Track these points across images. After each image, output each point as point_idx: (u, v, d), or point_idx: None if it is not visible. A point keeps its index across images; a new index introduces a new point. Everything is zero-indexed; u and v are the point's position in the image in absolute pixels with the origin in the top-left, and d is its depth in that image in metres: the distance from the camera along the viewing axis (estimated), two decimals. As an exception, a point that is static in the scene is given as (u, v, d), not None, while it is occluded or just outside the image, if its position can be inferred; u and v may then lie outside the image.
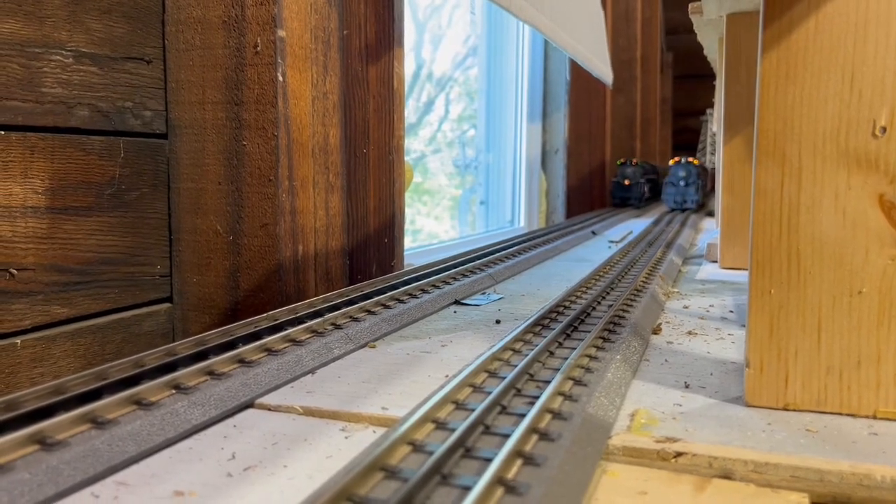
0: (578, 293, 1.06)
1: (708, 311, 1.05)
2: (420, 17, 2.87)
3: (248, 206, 1.13)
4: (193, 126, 1.14)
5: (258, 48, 1.11)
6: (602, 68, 2.73)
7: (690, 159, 2.76)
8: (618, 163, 3.25)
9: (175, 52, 1.14)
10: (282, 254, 1.12)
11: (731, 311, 1.05)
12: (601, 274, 1.24)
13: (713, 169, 3.63)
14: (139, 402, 0.57)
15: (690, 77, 5.92)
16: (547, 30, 1.91)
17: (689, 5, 1.54)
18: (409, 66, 2.88)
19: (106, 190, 1.04)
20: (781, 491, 0.50)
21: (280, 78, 1.11)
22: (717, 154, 2.24)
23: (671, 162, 2.88)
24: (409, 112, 3.05)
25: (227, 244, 1.14)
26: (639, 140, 4.48)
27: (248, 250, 1.13)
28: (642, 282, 1.16)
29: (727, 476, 0.52)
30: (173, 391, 0.60)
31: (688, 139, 5.89)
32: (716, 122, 2.79)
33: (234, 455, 0.53)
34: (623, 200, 3.24)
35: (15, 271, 0.92)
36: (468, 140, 3.01)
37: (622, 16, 4.24)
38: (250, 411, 0.62)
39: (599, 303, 0.99)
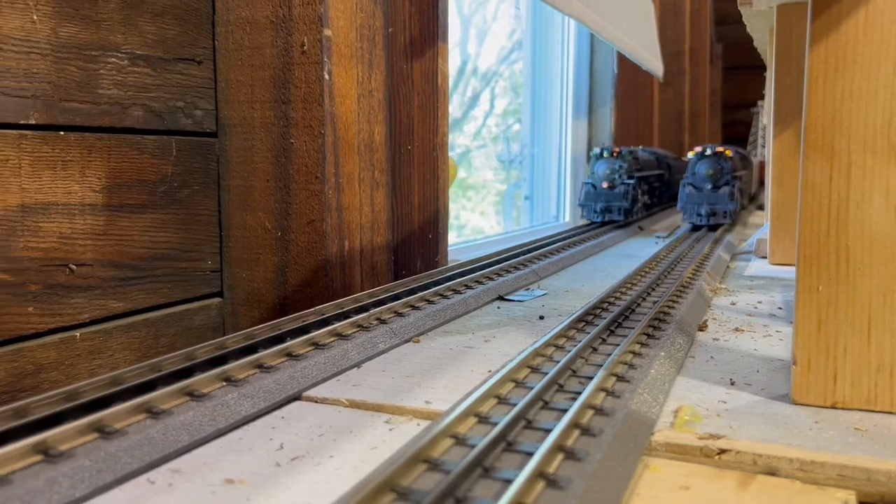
0: (623, 289, 1.05)
1: (756, 308, 1.03)
2: (465, 12, 2.87)
3: (295, 203, 1.15)
4: (242, 125, 1.17)
5: (305, 47, 1.13)
6: (652, 61, 2.70)
7: (720, 149, 1.82)
8: (591, 154, 2.04)
9: (224, 53, 1.17)
10: (328, 250, 1.14)
11: (780, 308, 1.03)
12: (647, 270, 1.23)
13: (762, 161, 2.99)
14: (191, 394, 0.59)
15: (741, 68, 5.81)
16: (594, 24, 1.90)
17: (738, -4, 1.51)
18: (454, 61, 2.88)
19: (159, 188, 1.07)
20: (828, 488, 0.49)
21: (326, 76, 1.13)
22: (766, 147, 2.19)
23: (690, 153, 1.90)
24: (454, 107, 3.04)
25: (276, 240, 1.16)
26: (687, 133, 4.41)
27: (296, 246, 1.15)
28: (689, 278, 1.15)
29: (772, 473, 0.51)
30: (224, 383, 0.62)
31: (739, 132, 5.78)
32: (766, 114, 2.71)
33: (283, 445, 0.55)
34: (599, 214, 2.00)
35: (74, 267, 0.95)
36: (513, 135, 3.00)
37: (670, 8, 4.18)
38: (298, 403, 0.64)
39: (644, 299, 0.98)
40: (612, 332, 0.79)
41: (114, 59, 1.00)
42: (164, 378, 0.61)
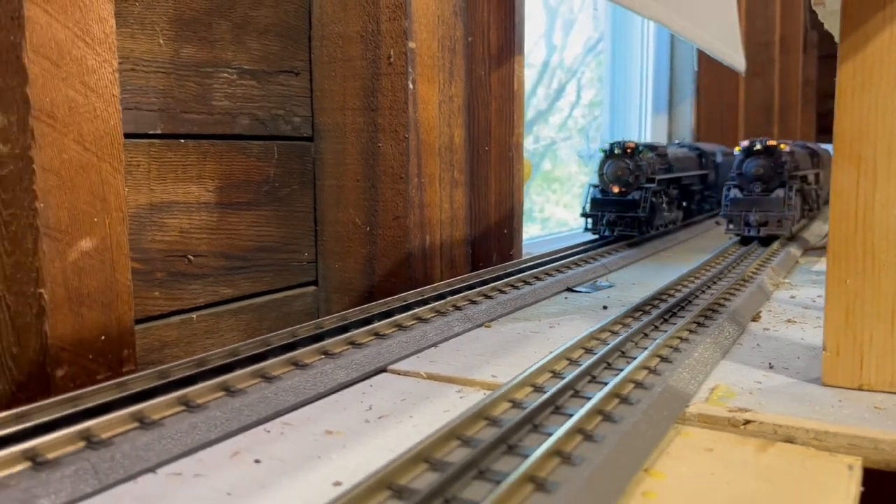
0: (686, 282, 1.12)
1: (814, 301, 1.08)
2: (551, 3, 2.88)
3: (382, 201, 1.26)
4: (335, 130, 1.29)
5: (391, 59, 1.24)
6: (733, 56, 2.70)
7: (773, 142, 1.46)
8: (600, 150, 1.62)
9: (320, 65, 1.29)
10: (411, 243, 1.25)
11: (838, 302, 1.08)
12: (713, 264, 1.29)
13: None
14: (296, 364, 0.71)
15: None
16: (670, 22, 1.94)
17: (811, -4, 1.54)
18: (538, 53, 2.92)
19: (263, 187, 1.20)
20: (838, 455, 0.57)
21: (410, 86, 1.24)
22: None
23: (736, 150, 1.53)
24: (540, 99, 3.08)
25: (365, 234, 1.28)
26: (776, 125, 4.33)
27: (383, 240, 1.27)
28: (752, 272, 1.20)
29: (790, 441, 0.59)
30: (322, 356, 0.74)
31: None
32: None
33: (371, 407, 0.66)
34: (608, 228, 1.57)
35: (192, 257, 1.09)
36: (598, 127, 3.03)
37: (760, -4, 4.11)
38: (383, 375, 0.75)
39: (704, 291, 1.05)
40: (666, 320, 0.87)
41: (225, 75, 1.14)
42: (273, 351, 0.74)
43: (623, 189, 1.55)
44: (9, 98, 0.74)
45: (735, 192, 1.48)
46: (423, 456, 0.49)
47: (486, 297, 1.02)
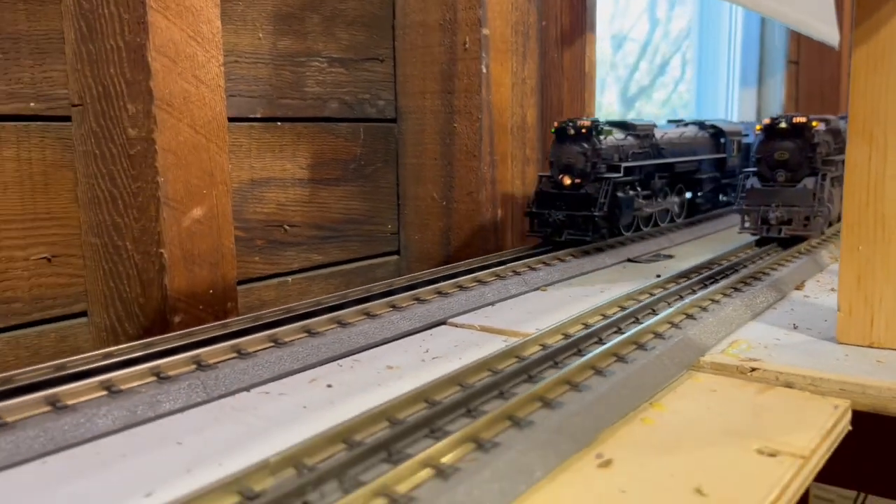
0: (741, 253, 1.18)
1: (866, 273, 1.12)
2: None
3: (457, 177, 1.37)
4: (416, 112, 1.41)
5: (467, 45, 1.34)
6: (825, 30, 2.64)
7: (802, 119, 1.20)
8: (552, 130, 1.27)
9: (402, 52, 1.41)
10: (484, 217, 1.36)
11: (891, 273, 1.11)
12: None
13: None
14: (368, 314, 0.83)
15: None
16: (754, 5, 1.94)
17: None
18: (642, 27, 2.90)
19: (350, 165, 1.34)
20: (829, 398, 0.64)
21: (484, 70, 1.34)
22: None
23: (757, 129, 1.25)
24: (642, 74, 3.06)
25: (441, 208, 1.40)
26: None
27: (458, 213, 1.38)
28: (812, 245, 1.24)
29: (788, 386, 0.67)
30: (391, 309, 0.86)
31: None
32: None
33: (428, 350, 0.77)
34: (555, 231, 1.23)
35: (287, 227, 1.24)
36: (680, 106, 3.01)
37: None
38: (442, 327, 0.86)
39: (754, 261, 1.11)
40: (706, 285, 0.95)
41: (316, 63, 1.27)
42: (350, 303, 0.86)
43: (576, 181, 1.22)
44: (136, 90, 0.89)
45: (753, 182, 1.22)
46: (457, 381, 0.60)
47: (546, 265, 1.12)
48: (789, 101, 2.91)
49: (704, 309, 0.82)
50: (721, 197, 1.71)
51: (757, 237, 1.23)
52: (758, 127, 1.23)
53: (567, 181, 1.22)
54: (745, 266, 1.07)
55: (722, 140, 1.66)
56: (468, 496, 0.43)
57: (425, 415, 0.52)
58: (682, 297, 0.88)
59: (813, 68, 3.36)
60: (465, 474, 0.45)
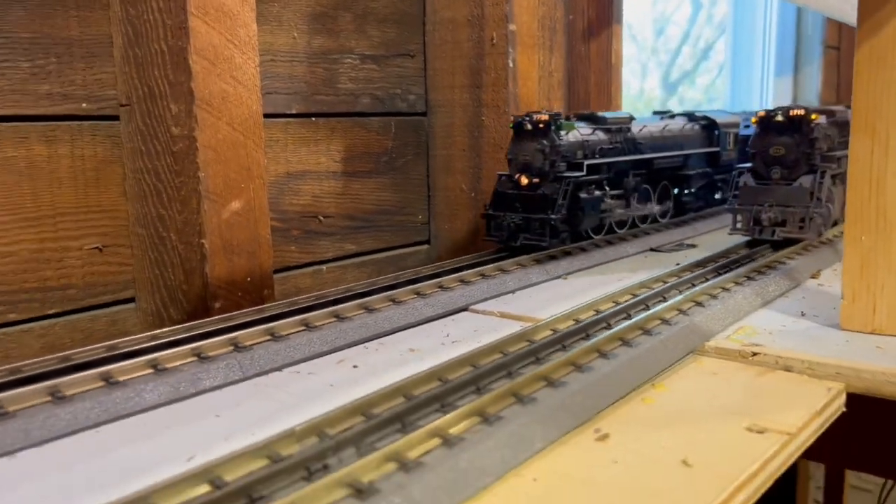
0: (760, 242, 1.20)
1: (886, 262, 1.14)
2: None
3: (485, 169, 1.42)
4: (445, 105, 1.45)
5: (494, 40, 1.39)
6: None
7: (799, 111, 1.12)
8: (510, 125, 1.21)
9: (432, 47, 1.46)
10: (511, 206, 1.40)
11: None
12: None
13: None
14: (393, 300, 0.89)
15: None
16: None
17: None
18: (685, 11, 2.86)
19: (382, 158, 1.39)
20: (825, 381, 0.68)
21: (510, 64, 1.38)
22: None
23: (752, 121, 1.17)
24: (685, 58, 3.02)
25: (470, 199, 1.45)
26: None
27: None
28: (834, 235, 1.26)
29: (787, 370, 0.70)
30: (415, 296, 0.91)
31: None
32: None
33: (448, 335, 0.82)
34: (510, 236, 1.15)
35: (322, 218, 1.30)
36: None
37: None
38: (464, 313, 0.91)
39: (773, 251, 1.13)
40: (720, 273, 0.98)
41: (349, 60, 1.33)
42: (377, 290, 0.92)
43: (533, 180, 1.14)
44: (178, 91, 0.95)
45: (747, 179, 1.15)
46: (470, 361, 0.65)
47: (568, 254, 1.16)
48: (827, 88, 2.87)
49: (714, 297, 0.86)
50: (717, 195, 1.59)
51: (748, 238, 1.16)
52: (753, 119, 1.17)
53: (524, 181, 1.14)
54: (763, 255, 1.10)
55: (716, 132, 1.54)
56: (471, 463, 0.49)
57: (437, 391, 0.57)
58: (694, 286, 0.92)
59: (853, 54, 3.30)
60: (470, 444, 0.51)
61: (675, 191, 1.47)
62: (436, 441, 0.51)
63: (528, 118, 1.16)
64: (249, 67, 1.01)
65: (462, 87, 1.43)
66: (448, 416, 0.52)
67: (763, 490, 0.52)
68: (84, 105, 0.98)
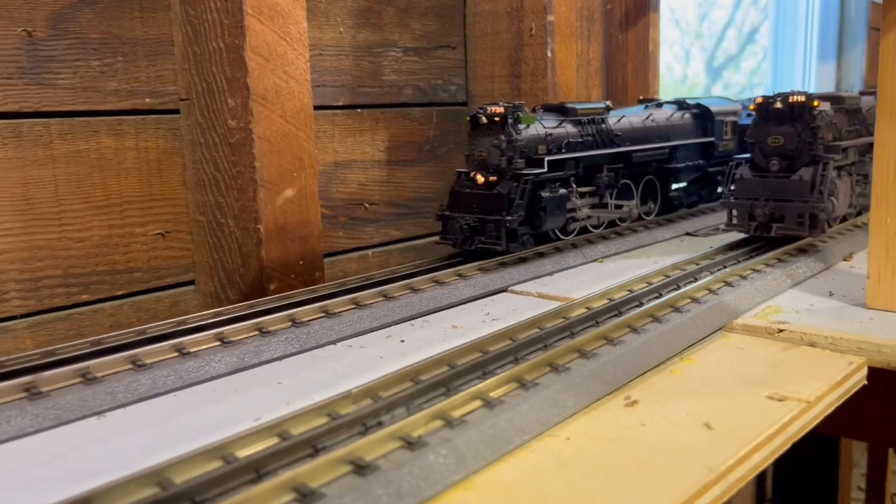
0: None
1: (920, 245, 1.16)
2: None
3: (524, 156, 1.46)
4: (485, 95, 1.50)
5: (533, 31, 1.43)
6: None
7: (799, 98, 1.03)
8: (467, 118, 1.11)
9: (472, 39, 1.50)
10: (549, 193, 1.45)
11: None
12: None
13: None
14: (437, 282, 0.94)
15: None
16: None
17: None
18: None
19: (424, 147, 1.44)
20: (847, 355, 0.71)
21: (549, 54, 1.42)
22: None
23: (750, 108, 1.09)
24: (730, 42, 2.99)
25: (509, 186, 1.49)
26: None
27: (525, 190, 1.47)
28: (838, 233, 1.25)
29: (811, 345, 0.74)
30: (457, 277, 0.97)
31: None
32: None
33: (489, 313, 0.88)
34: (465, 239, 1.05)
35: (368, 205, 1.36)
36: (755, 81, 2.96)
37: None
38: (503, 294, 0.96)
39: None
40: (751, 255, 1.01)
41: (392, 53, 1.38)
42: (421, 272, 0.97)
43: (490, 178, 1.04)
44: (235, 86, 1.02)
45: (744, 171, 1.06)
46: (508, 335, 0.70)
47: (604, 238, 1.20)
48: (872, 71, 2.84)
49: (744, 277, 0.90)
50: (719, 189, 1.48)
51: (745, 235, 1.08)
52: (751, 107, 1.08)
53: (480, 179, 1.04)
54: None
55: (710, 122, 1.42)
56: (510, 422, 0.54)
57: (479, 361, 0.63)
58: (724, 267, 0.95)
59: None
60: (508, 406, 0.56)
61: (668, 186, 1.37)
62: (477, 403, 0.56)
63: (482, 110, 1.06)
64: (300, 62, 1.07)
65: (501, 78, 1.48)
66: (489, 381, 0.57)
67: (780, 452, 0.57)
68: (147, 100, 1.05)
